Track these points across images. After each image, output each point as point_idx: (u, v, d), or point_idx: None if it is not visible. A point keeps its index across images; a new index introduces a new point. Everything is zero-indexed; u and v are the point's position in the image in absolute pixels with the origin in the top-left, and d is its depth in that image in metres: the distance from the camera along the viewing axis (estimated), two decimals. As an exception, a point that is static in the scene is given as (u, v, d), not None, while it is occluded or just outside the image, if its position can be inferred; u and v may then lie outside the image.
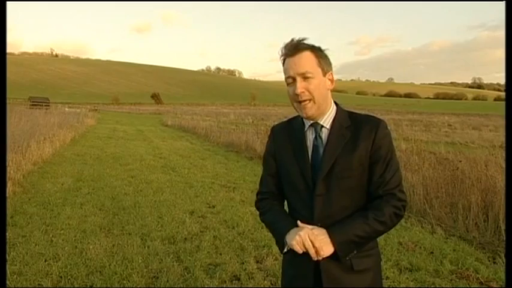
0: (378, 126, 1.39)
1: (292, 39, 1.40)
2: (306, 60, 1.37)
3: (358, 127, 1.40)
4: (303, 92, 1.36)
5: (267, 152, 1.59)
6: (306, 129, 1.46)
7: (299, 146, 1.46)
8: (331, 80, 1.43)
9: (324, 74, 1.40)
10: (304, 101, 1.37)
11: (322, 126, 1.43)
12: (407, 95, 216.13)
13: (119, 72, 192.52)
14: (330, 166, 1.38)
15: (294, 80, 1.37)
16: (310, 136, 1.45)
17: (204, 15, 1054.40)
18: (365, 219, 1.34)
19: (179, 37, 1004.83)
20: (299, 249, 1.30)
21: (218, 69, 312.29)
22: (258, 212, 1.59)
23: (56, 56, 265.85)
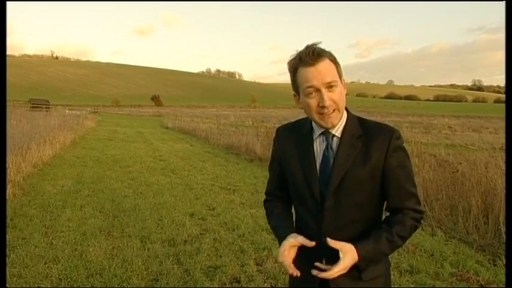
0: (392, 137, 1.32)
1: (308, 46, 1.29)
2: (329, 69, 1.28)
3: (370, 137, 1.33)
4: (330, 103, 1.28)
5: (273, 154, 1.55)
6: (315, 137, 1.39)
7: (306, 154, 1.39)
8: (344, 86, 1.37)
9: (341, 80, 1.34)
10: (330, 110, 1.29)
11: (333, 136, 1.36)
12: (407, 97, 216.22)
13: (119, 74, 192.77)
14: (340, 179, 1.32)
15: (317, 90, 1.28)
16: (320, 145, 1.38)
17: (205, 17, 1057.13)
18: (390, 236, 1.31)
19: (180, 39, 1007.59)
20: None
21: (218, 71, 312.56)
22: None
23: (57, 58, 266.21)
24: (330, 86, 1.28)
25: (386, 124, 1.39)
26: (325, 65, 1.28)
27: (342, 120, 1.36)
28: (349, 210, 1.34)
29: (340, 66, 1.35)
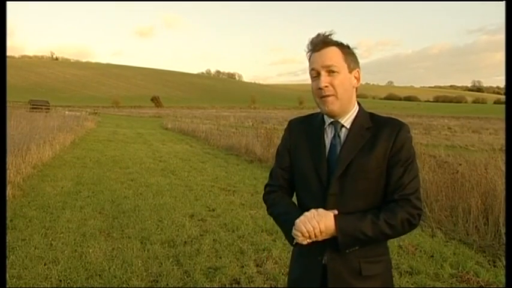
0: (400, 129, 1.35)
1: (319, 34, 1.37)
2: (332, 55, 1.34)
3: (379, 129, 1.37)
4: (327, 86, 1.33)
5: (282, 144, 1.55)
6: (325, 126, 1.42)
7: (316, 142, 1.42)
8: (357, 78, 1.40)
9: (350, 71, 1.37)
10: (327, 96, 1.34)
11: (342, 126, 1.40)
12: (407, 98, 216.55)
13: (118, 75, 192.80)
14: (345, 166, 1.35)
15: (318, 74, 1.34)
16: (328, 134, 1.42)
17: (205, 18, 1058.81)
18: (375, 218, 1.30)
19: (180, 40, 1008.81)
20: (304, 231, 1.27)
21: (218, 72, 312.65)
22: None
23: (56, 59, 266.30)
24: (330, 71, 1.33)
25: (396, 118, 1.42)
26: (330, 51, 1.35)
27: (352, 112, 1.41)
28: (353, 198, 1.35)
29: (352, 57, 1.39)
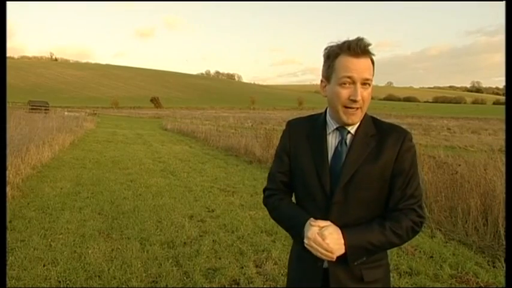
0: (404, 139, 1.34)
1: (361, 39, 1.29)
2: (369, 67, 1.30)
3: (384, 137, 1.35)
4: (360, 99, 1.29)
5: (281, 147, 1.50)
6: (329, 131, 1.39)
7: (319, 148, 1.39)
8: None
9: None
10: (356, 108, 1.30)
11: (348, 132, 1.37)
12: (407, 99, 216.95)
13: (118, 76, 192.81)
14: (351, 175, 1.33)
15: (353, 83, 1.28)
16: (333, 140, 1.38)
17: (205, 19, 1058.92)
18: (382, 228, 1.30)
19: (180, 41, 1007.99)
20: (322, 253, 1.26)
21: (218, 73, 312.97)
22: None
23: (56, 60, 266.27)
24: (365, 84, 1.30)
25: (399, 126, 1.41)
26: (368, 62, 1.30)
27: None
28: (357, 207, 1.34)
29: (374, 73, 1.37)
